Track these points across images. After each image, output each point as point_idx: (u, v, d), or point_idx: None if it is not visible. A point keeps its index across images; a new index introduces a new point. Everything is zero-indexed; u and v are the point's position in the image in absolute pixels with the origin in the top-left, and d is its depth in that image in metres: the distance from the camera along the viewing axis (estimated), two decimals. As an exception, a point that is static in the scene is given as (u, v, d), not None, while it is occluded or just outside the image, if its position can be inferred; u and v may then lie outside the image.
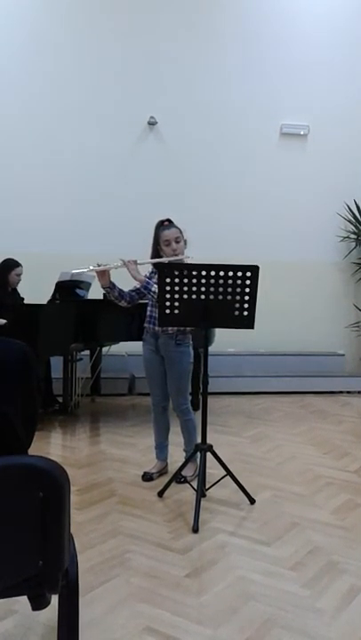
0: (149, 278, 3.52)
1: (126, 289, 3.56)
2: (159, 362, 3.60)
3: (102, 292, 5.13)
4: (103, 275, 3.43)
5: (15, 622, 2.13)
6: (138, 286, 3.55)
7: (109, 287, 3.46)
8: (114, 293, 3.49)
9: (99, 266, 3.41)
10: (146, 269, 3.63)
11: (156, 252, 3.54)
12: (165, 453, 3.78)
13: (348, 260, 7.29)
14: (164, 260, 3.43)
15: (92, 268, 3.44)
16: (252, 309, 3.13)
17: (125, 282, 3.55)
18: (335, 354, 7.12)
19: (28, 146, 6.44)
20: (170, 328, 3.45)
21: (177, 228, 3.51)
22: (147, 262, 3.56)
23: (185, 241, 3.52)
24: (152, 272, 3.60)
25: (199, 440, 3.36)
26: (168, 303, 3.14)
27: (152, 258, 3.55)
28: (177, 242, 3.46)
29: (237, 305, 3.12)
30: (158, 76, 6.71)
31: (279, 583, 2.44)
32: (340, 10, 7.09)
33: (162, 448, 3.77)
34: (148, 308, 3.59)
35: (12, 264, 5.12)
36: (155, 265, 3.51)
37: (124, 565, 2.57)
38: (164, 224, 3.52)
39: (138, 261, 3.49)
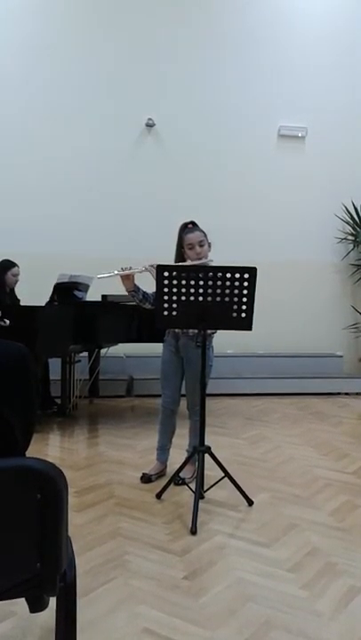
0: None
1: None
2: (178, 363, 3.60)
3: (100, 293, 5.21)
4: (128, 279, 3.42)
5: (13, 624, 2.12)
6: None
7: (134, 291, 3.46)
8: (138, 296, 3.48)
9: (122, 270, 3.40)
10: None
11: (181, 256, 3.54)
12: (166, 456, 3.76)
13: (346, 261, 7.30)
14: (188, 263, 3.41)
15: (116, 272, 3.41)
16: (250, 311, 3.13)
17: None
18: (333, 355, 7.13)
19: (27, 146, 6.45)
20: (190, 330, 3.46)
21: (201, 231, 3.49)
22: (172, 266, 3.53)
23: (209, 244, 3.51)
24: None
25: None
26: (166, 305, 3.13)
27: (176, 261, 3.54)
28: (201, 245, 3.44)
29: (235, 306, 3.12)
30: (156, 77, 6.72)
31: (278, 585, 2.44)
32: (338, 12, 7.12)
33: (164, 450, 3.75)
34: None
35: (7, 265, 5.11)
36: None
37: (122, 567, 2.56)
38: (188, 227, 3.50)
39: None
